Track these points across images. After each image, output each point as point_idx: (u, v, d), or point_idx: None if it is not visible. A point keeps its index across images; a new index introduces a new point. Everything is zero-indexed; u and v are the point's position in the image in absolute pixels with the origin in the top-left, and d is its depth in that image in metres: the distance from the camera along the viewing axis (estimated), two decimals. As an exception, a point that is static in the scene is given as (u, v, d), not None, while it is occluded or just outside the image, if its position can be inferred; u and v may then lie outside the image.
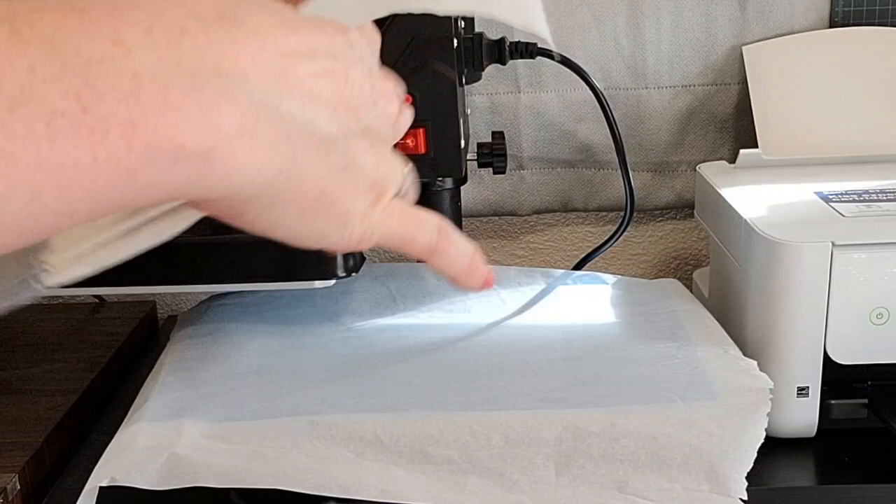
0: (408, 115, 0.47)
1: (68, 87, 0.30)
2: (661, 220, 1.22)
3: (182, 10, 0.34)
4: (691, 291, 1.03)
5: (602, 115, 1.02)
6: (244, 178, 0.35)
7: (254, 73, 0.35)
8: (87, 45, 0.31)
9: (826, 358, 0.81)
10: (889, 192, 0.90)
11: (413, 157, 0.85)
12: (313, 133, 0.38)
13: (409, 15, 0.83)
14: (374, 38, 0.46)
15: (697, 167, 1.06)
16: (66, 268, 0.42)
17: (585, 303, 0.99)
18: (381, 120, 0.44)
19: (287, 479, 0.71)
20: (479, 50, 0.93)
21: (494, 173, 1.03)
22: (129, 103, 0.31)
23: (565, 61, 0.99)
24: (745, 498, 0.70)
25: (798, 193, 0.93)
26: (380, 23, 0.93)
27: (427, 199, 1.02)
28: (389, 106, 0.44)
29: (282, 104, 0.37)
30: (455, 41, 0.86)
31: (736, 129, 1.15)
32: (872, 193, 0.90)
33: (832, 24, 1.12)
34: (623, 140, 1.04)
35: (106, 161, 0.31)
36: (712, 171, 1.03)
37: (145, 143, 0.32)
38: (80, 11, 0.32)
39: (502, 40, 0.95)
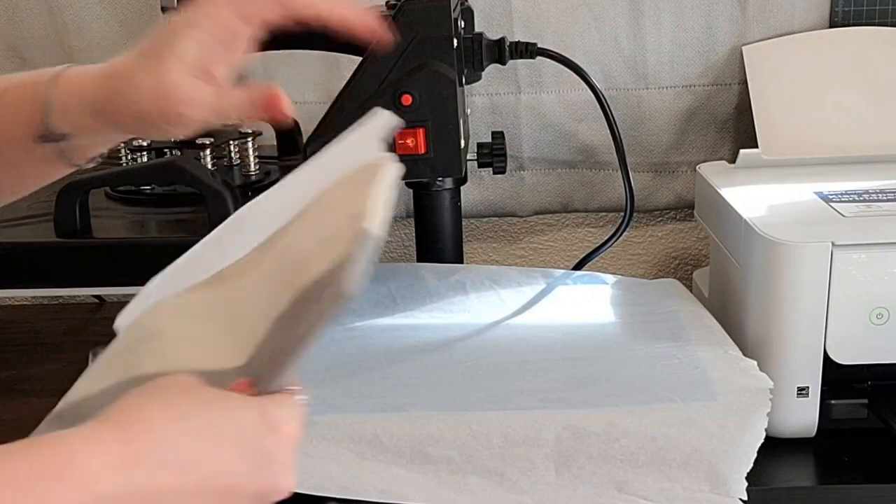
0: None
1: None
2: (661, 221, 1.22)
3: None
4: (691, 291, 1.03)
5: (602, 115, 1.02)
6: None
7: None
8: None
9: (826, 358, 0.81)
10: (889, 192, 0.90)
11: (413, 157, 0.85)
12: None
13: (410, 15, 0.83)
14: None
15: (697, 167, 1.06)
16: None
17: (585, 303, 0.99)
18: None
19: (287, 478, 0.71)
20: (479, 50, 0.93)
21: (494, 173, 1.03)
22: None
23: (566, 61, 0.99)
24: (745, 498, 0.70)
25: (798, 193, 0.93)
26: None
27: (427, 199, 1.02)
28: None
29: None
30: (455, 41, 0.86)
31: (736, 130, 1.15)
32: (872, 193, 0.90)
33: (832, 25, 1.12)
34: (623, 140, 1.04)
35: None
36: (712, 171, 1.03)
37: None
38: None
39: (502, 40, 0.95)
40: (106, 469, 0.44)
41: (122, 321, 0.60)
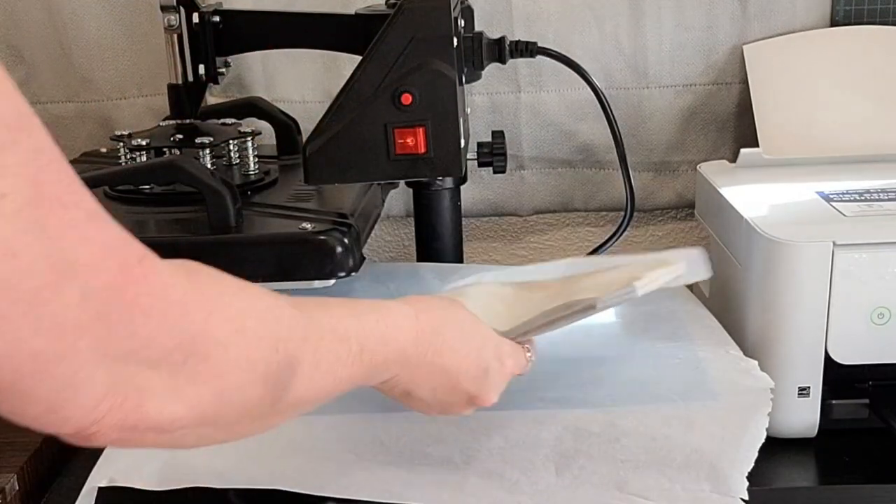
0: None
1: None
2: (661, 220, 1.22)
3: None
4: (691, 291, 1.03)
5: (603, 114, 1.02)
6: None
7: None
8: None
9: (827, 358, 0.81)
10: (890, 192, 0.90)
11: (413, 156, 0.85)
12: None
13: (410, 14, 0.83)
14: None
15: (698, 167, 1.06)
16: None
17: (586, 303, 0.99)
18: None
19: (286, 479, 0.71)
20: (479, 49, 0.93)
21: (494, 172, 1.03)
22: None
23: (566, 60, 0.99)
24: (746, 498, 0.70)
25: (799, 193, 0.93)
26: (380, 22, 0.92)
27: (427, 198, 1.02)
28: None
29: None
30: (455, 40, 0.86)
31: (737, 129, 1.15)
32: (873, 193, 0.90)
33: (833, 24, 1.12)
34: (624, 140, 1.03)
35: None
36: (713, 171, 1.03)
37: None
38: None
39: (502, 39, 0.94)
40: (404, 330, 0.62)
41: (452, 286, 0.81)
